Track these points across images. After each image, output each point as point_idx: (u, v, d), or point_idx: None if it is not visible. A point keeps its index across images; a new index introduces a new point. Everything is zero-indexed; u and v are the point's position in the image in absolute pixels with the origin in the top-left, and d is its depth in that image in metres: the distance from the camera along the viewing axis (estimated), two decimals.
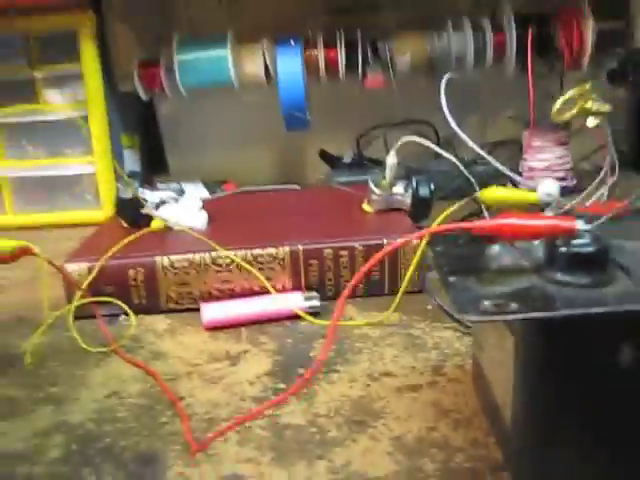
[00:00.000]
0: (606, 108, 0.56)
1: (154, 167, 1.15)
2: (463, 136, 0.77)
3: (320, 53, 1.01)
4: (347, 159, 1.09)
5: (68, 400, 0.51)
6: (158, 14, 1.09)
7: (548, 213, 0.64)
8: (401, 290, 0.58)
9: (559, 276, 0.35)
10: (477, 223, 0.37)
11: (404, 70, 1.03)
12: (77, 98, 0.98)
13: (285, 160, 1.20)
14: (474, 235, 0.39)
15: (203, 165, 1.12)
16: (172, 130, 1.20)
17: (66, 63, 0.97)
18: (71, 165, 1.00)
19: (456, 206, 0.50)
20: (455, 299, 0.34)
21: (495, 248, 0.40)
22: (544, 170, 0.95)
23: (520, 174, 0.94)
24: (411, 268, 0.57)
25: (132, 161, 1.08)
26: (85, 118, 0.97)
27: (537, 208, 0.48)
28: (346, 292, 0.43)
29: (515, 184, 0.83)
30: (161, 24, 1.09)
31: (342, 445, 0.44)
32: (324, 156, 1.11)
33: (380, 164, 1.00)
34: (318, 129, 1.06)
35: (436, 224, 0.41)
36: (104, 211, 0.97)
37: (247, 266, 0.65)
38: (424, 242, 0.41)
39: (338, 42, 1.01)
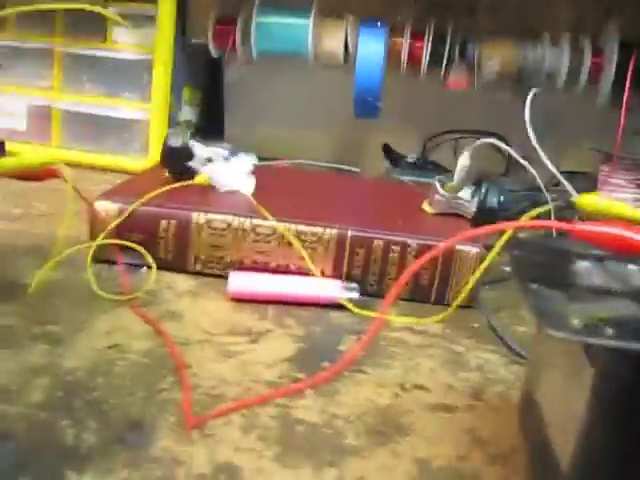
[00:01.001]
0: None
1: (209, 130, 1.11)
2: (542, 157, 0.69)
3: (405, 42, 0.95)
4: (411, 159, 1.03)
5: (65, 343, 0.46)
6: None
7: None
8: (459, 298, 0.52)
9: None
10: (578, 225, 0.31)
11: (490, 76, 0.96)
12: (146, 41, 0.94)
13: (345, 147, 1.14)
14: (560, 245, 0.33)
15: (259, 138, 1.06)
16: (235, 97, 1.15)
17: (142, 2, 0.93)
18: (126, 108, 0.95)
19: (544, 208, 0.43)
20: (537, 310, 0.28)
21: (584, 263, 0.33)
22: None
23: None
24: (476, 273, 0.51)
25: (189, 117, 1.04)
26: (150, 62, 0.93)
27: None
28: (400, 283, 0.37)
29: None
30: None
31: (358, 455, 0.38)
32: (387, 151, 1.05)
33: (444, 170, 0.94)
34: (385, 122, 1.01)
35: (524, 220, 0.35)
36: (149, 160, 0.92)
37: (291, 239, 0.59)
38: (501, 242, 0.35)
39: (426, 35, 0.95)
